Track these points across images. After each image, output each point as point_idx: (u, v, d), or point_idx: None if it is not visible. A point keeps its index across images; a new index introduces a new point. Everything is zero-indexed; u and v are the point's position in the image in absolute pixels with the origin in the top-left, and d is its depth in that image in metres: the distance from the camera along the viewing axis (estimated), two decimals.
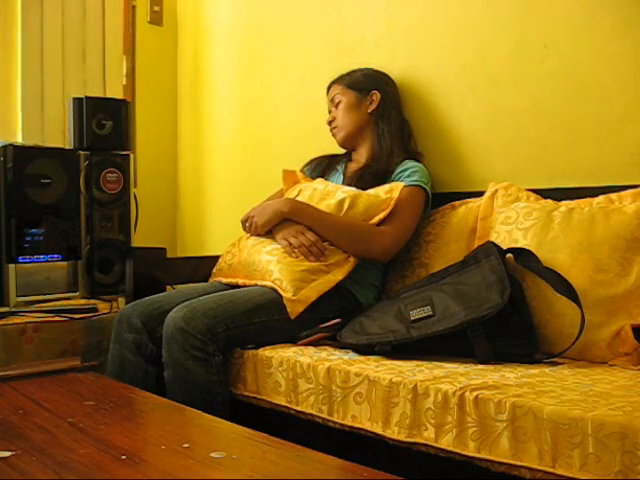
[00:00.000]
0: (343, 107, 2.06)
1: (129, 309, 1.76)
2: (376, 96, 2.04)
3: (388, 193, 1.83)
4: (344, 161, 2.11)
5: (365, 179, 1.94)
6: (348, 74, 2.10)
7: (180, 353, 1.57)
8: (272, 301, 1.68)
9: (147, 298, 1.80)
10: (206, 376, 1.57)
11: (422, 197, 1.90)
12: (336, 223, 1.79)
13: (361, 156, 2.06)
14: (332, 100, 2.10)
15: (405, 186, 1.85)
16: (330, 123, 2.11)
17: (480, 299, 1.47)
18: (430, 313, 1.50)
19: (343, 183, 2.02)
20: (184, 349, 1.56)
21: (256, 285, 1.76)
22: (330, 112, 2.13)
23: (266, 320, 1.67)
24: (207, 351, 1.57)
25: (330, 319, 1.68)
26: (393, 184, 1.86)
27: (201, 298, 1.68)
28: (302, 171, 2.14)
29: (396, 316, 1.55)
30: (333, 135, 2.11)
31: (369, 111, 2.04)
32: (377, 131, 2.03)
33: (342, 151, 2.16)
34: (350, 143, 2.09)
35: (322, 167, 2.12)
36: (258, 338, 1.65)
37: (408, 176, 1.90)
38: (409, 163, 1.94)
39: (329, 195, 1.86)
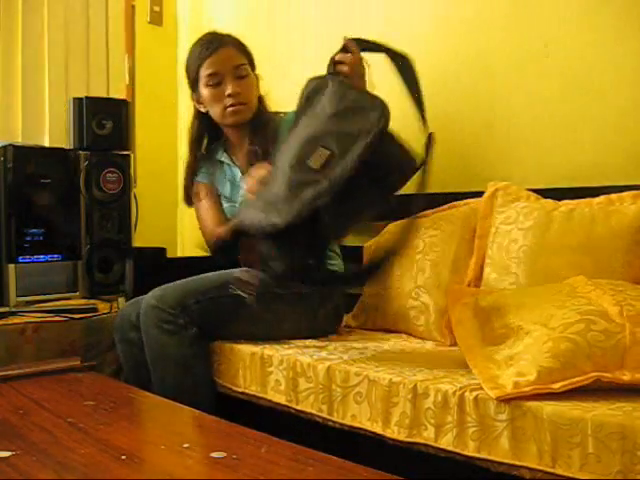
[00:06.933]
0: None
1: (129, 308, 1.77)
2: None
3: None
4: None
5: None
6: None
7: (153, 329, 1.60)
8: None
9: None
10: (179, 349, 1.59)
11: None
12: None
13: None
14: None
15: None
16: None
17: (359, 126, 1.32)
18: (329, 153, 1.30)
19: None
20: (156, 325, 1.60)
21: None
22: None
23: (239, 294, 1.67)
24: (178, 324, 1.60)
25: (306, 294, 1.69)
26: None
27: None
28: None
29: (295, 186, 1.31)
30: None
31: None
32: None
33: None
34: None
35: None
36: (232, 312, 1.65)
37: None
38: None
39: None
